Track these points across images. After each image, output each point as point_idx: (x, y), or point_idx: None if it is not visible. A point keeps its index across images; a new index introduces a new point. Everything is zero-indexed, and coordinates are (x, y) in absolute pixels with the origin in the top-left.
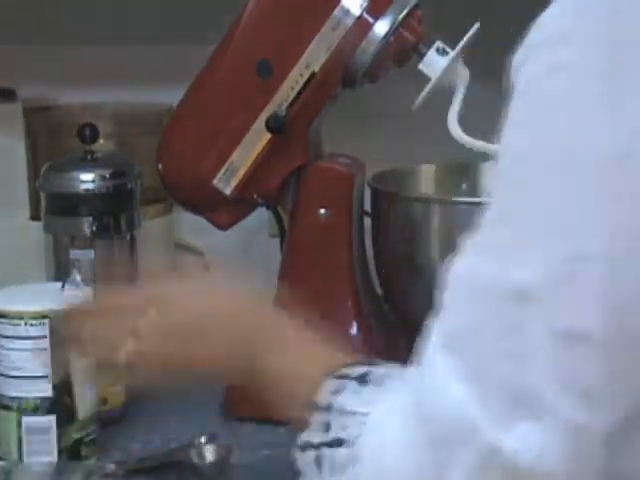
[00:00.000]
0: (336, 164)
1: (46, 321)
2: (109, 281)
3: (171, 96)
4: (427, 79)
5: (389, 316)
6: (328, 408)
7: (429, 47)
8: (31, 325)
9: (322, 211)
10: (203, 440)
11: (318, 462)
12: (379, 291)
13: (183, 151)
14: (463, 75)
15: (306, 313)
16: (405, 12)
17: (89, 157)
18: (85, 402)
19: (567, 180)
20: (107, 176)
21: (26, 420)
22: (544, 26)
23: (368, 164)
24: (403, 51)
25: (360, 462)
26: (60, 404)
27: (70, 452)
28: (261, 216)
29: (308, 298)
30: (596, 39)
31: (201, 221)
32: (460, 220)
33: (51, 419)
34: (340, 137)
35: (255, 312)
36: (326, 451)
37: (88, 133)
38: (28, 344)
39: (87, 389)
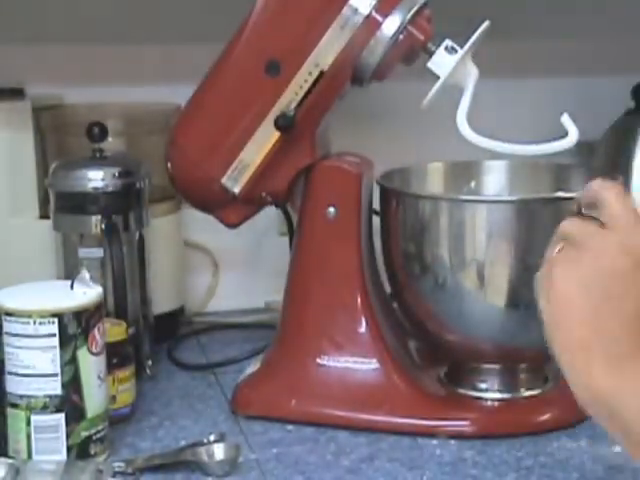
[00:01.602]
0: (344, 163)
1: (55, 319)
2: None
3: (179, 95)
4: (436, 77)
5: (397, 314)
6: None
7: (438, 45)
8: (40, 323)
9: (331, 210)
10: (212, 439)
11: None
12: (387, 289)
13: (192, 150)
14: (472, 73)
15: (315, 311)
16: (414, 11)
17: (98, 156)
18: (94, 400)
19: None
20: (116, 174)
21: (35, 418)
22: None
23: (377, 162)
24: (412, 50)
25: None
26: (69, 402)
27: (79, 450)
28: (270, 215)
29: (317, 297)
30: None
31: (210, 219)
32: (469, 218)
33: (60, 417)
34: (349, 135)
35: None
36: None
37: (97, 132)
38: (37, 342)
39: (96, 387)
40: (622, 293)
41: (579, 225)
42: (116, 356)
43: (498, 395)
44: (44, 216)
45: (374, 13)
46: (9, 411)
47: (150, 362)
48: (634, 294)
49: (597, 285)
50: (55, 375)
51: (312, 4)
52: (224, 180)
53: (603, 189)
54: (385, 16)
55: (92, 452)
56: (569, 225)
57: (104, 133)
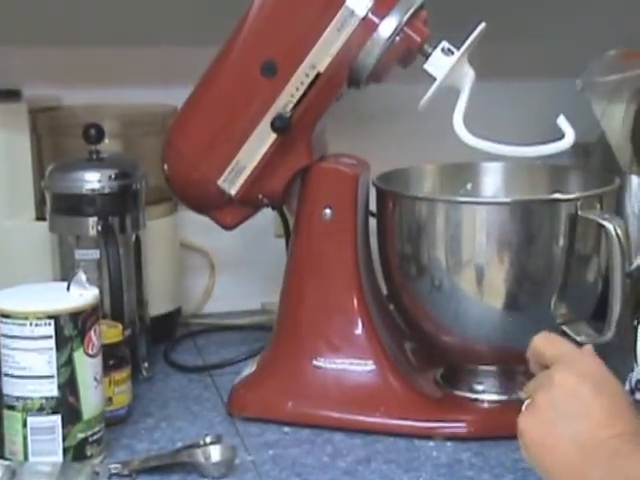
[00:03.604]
0: (341, 164)
1: (51, 321)
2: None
3: (176, 97)
4: (432, 79)
5: (394, 316)
6: None
7: (434, 47)
8: (36, 325)
9: (327, 211)
10: (208, 440)
11: None
12: (384, 291)
13: (188, 151)
14: (469, 75)
15: (311, 312)
16: (410, 12)
17: (94, 157)
18: (90, 402)
19: None
20: (112, 176)
21: (31, 420)
22: None
23: (373, 164)
24: (408, 51)
25: None
26: (65, 404)
27: (75, 452)
28: (266, 216)
29: (313, 298)
30: None
31: (206, 221)
32: (465, 220)
33: (56, 419)
34: (345, 137)
35: None
36: None
37: (93, 133)
38: (33, 344)
39: (92, 389)
40: (581, 406)
41: (533, 381)
42: (112, 358)
43: (495, 397)
44: (40, 218)
45: (370, 15)
46: (5, 413)
47: (146, 364)
48: (584, 403)
49: (555, 411)
50: (51, 377)
51: (309, 6)
52: (220, 182)
53: (534, 343)
54: (382, 18)
55: (88, 454)
56: (527, 384)
57: (101, 135)
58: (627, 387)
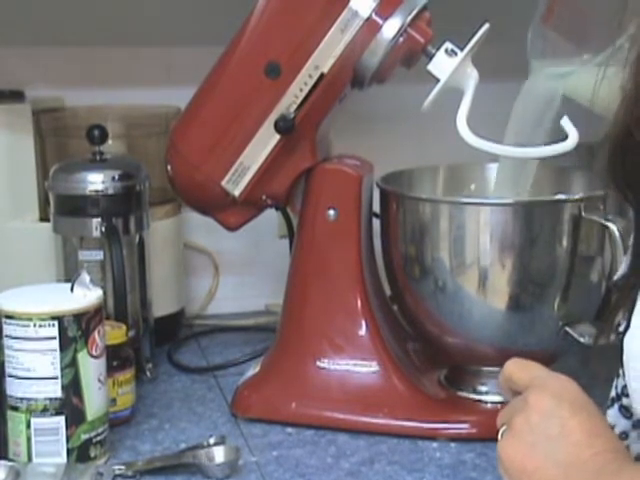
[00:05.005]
0: (344, 165)
1: (55, 322)
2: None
3: (180, 98)
4: (436, 80)
5: (397, 317)
6: None
7: (438, 48)
8: (40, 326)
9: (331, 212)
10: (212, 441)
11: None
12: (387, 292)
13: (192, 152)
14: (472, 76)
15: (314, 313)
16: (414, 13)
17: (98, 158)
18: (94, 403)
19: None
20: (116, 177)
21: (35, 421)
22: None
23: (377, 165)
24: (412, 52)
25: None
26: (69, 405)
27: (79, 453)
28: (270, 217)
29: (317, 299)
30: None
31: (210, 222)
32: (469, 221)
33: (60, 420)
34: (349, 138)
35: None
36: None
37: (97, 134)
38: (37, 345)
39: (96, 390)
40: (559, 427)
41: (507, 407)
42: (116, 359)
43: (498, 398)
44: (44, 219)
45: (374, 16)
46: (9, 414)
47: (150, 365)
48: (562, 423)
49: (533, 434)
50: (55, 378)
51: (312, 6)
52: (224, 183)
53: (504, 369)
54: (385, 19)
55: (92, 455)
56: (501, 412)
57: (104, 136)
58: (613, 393)
